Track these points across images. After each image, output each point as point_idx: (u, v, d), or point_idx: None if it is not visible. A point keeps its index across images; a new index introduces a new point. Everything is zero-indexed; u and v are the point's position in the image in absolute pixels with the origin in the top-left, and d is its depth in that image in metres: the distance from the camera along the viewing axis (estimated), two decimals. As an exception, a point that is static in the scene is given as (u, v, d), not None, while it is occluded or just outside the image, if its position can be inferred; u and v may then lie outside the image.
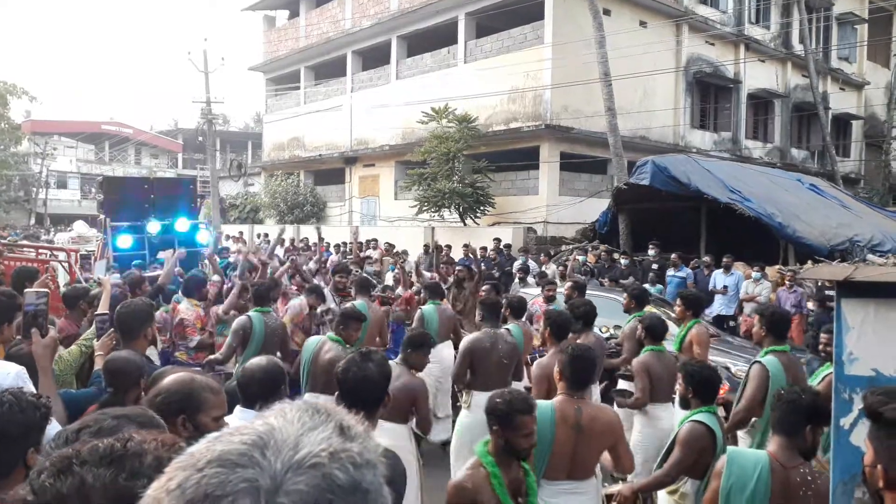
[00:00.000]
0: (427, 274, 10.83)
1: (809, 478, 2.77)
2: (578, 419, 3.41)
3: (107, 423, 1.26)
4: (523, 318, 6.45)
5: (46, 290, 3.55)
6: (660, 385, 4.98)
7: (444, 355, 6.85)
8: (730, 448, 3.15)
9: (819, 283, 10.92)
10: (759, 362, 4.57)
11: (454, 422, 5.77)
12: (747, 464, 2.87)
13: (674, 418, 5.09)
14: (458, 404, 7.75)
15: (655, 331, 5.16)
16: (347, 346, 4.89)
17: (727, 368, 7.13)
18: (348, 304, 5.91)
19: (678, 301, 6.10)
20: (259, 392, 2.80)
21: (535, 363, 4.86)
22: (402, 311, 8.60)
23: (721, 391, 4.68)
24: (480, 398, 5.05)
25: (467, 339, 5.43)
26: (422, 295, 8.06)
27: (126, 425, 1.27)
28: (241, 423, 2.25)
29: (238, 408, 2.79)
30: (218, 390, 2.09)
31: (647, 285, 11.86)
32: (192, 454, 0.65)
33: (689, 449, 3.54)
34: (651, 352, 5.10)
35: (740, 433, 4.61)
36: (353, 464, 0.64)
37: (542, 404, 3.47)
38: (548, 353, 4.91)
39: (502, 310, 6.13)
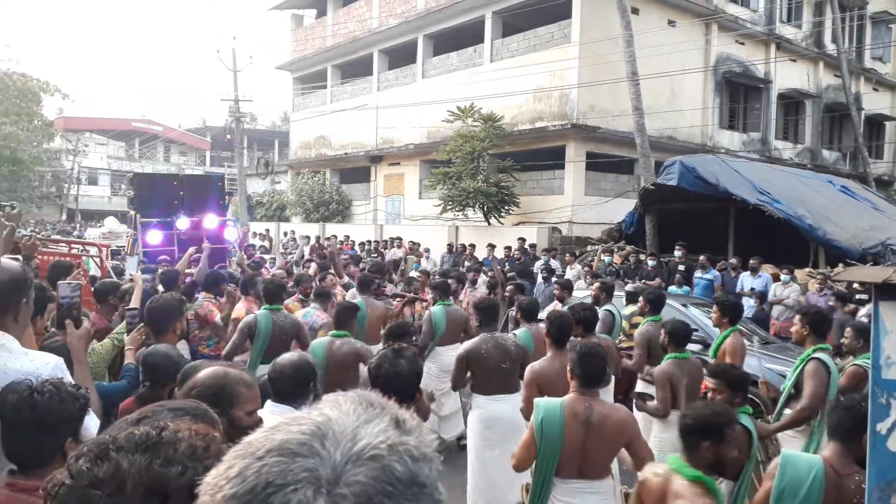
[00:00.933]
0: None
1: (864, 485, 2.71)
2: (588, 416, 3.39)
3: (164, 416, 1.28)
4: (536, 322, 6.21)
5: (79, 282, 3.61)
6: (681, 394, 4.89)
7: (446, 355, 6.77)
8: (784, 451, 3.08)
9: (850, 287, 10.72)
10: (817, 359, 4.50)
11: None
12: (801, 468, 2.84)
13: None
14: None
15: (678, 336, 5.04)
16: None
17: (783, 376, 7.02)
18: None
19: (714, 307, 5.88)
20: (288, 388, 2.82)
21: (528, 367, 4.71)
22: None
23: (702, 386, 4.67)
24: (481, 400, 5.14)
25: (463, 346, 5.38)
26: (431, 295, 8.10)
27: (183, 418, 1.29)
28: (273, 417, 2.26)
29: (269, 402, 2.82)
30: (251, 384, 2.11)
31: (673, 287, 11.77)
32: (250, 443, 0.65)
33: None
34: (673, 360, 4.97)
35: (789, 433, 4.52)
36: (412, 457, 0.64)
37: (552, 402, 3.47)
38: (547, 355, 4.75)
39: (514, 313, 6.09)
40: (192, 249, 8.33)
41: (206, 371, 2.11)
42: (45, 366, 2.34)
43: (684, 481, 2.60)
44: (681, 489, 2.58)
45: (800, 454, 3.14)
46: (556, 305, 7.89)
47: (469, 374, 5.24)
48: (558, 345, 4.64)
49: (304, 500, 0.58)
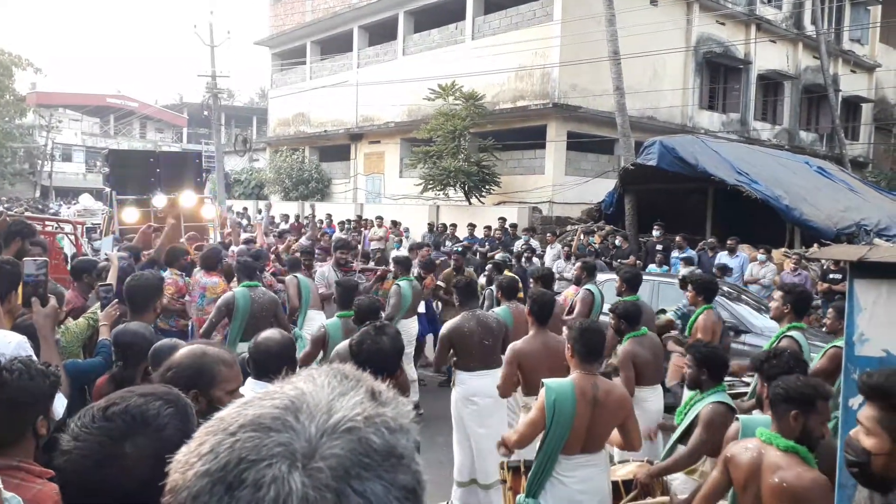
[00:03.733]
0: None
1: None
2: (595, 394, 3.46)
3: (133, 401, 1.25)
4: (515, 300, 6.34)
5: (45, 259, 3.54)
6: (646, 370, 5.01)
7: (409, 327, 7.43)
8: (744, 417, 3.18)
9: (825, 267, 10.89)
10: (790, 336, 4.62)
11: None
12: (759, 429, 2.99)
13: (661, 399, 5.21)
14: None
15: (630, 317, 5.14)
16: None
17: None
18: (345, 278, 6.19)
19: (689, 286, 5.94)
20: (274, 365, 2.80)
21: (509, 346, 4.77)
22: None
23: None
24: (464, 376, 5.20)
25: (446, 326, 5.40)
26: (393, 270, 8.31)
27: (152, 402, 1.26)
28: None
29: (249, 380, 2.79)
30: (231, 363, 2.06)
31: (653, 266, 11.87)
32: (221, 419, 0.64)
33: (713, 430, 3.58)
34: (633, 339, 5.05)
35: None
36: (388, 428, 0.63)
37: (562, 383, 3.50)
38: (529, 333, 4.78)
39: (496, 292, 6.20)
40: (145, 226, 8.29)
41: (184, 350, 2.07)
42: (6, 345, 2.30)
43: (778, 452, 2.61)
44: (777, 460, 2.59)
45: (755, 417, 3.21)
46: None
47: (451, 351, 5.27)
48: (541, 323, 4.68)
49: (279, 475, 0.57)
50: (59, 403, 2.26)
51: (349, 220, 19.61)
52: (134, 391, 1.31)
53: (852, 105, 28.98)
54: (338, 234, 16.10)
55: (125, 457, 1.17)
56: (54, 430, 2.10)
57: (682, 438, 3.84)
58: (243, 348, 4.24)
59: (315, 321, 6.88)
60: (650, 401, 5.04)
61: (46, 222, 11.62)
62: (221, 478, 0.59)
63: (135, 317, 3.70)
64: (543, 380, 3.63)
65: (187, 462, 0.62)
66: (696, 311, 5.77)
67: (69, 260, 8.54)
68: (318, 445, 0.60)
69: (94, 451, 1.16)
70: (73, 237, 10.50)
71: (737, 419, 3.16)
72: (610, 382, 3.69)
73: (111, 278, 4.55)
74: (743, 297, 8.77)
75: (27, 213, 17.29)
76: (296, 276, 7.33)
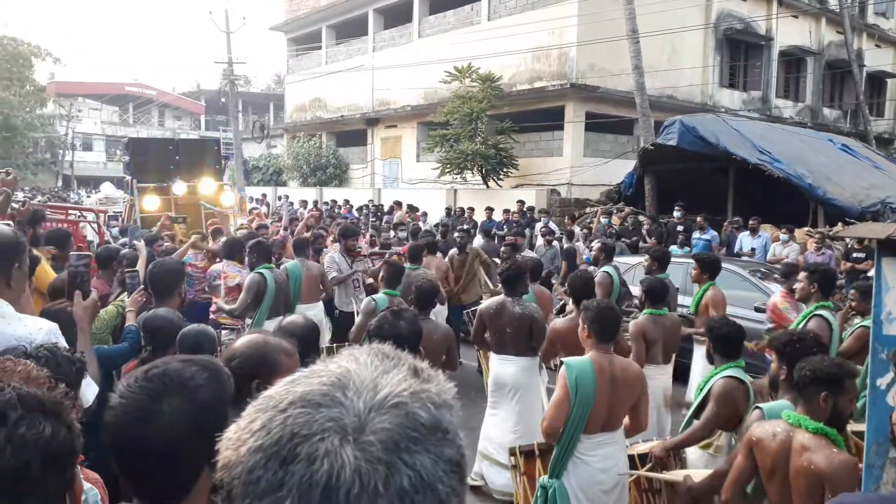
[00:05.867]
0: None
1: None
2: (613, 371, 3.49)
3: (172, 365, 1.35)
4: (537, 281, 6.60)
5: (89, 253, 3.60)
6: (655, 348, 5.07)
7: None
8: (765, 405, 3.10)
9: (849, 246, 10.73)
10: (819, 315, 4.62)
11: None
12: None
13: (668, 379, 5.31)
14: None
15: (655, 293, 5.20)
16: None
17: None
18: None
19: (694, 264, 6.17)
20: (302, 349, 2.83)
21: (550, 325, 4.97)
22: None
23: None
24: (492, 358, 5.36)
25: (483, 303, 5.59)
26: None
27: (189, 367, 1.35)
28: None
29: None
30: (291, 352, 2.07)
31: (675, 247, 11.76)
32: (270, 396, 0.66)
33: (725, 403, 3.60)
34: (648, 315, 5.14)
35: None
36: (434, 403, 0.65)
37: (581, 360, 3.53)
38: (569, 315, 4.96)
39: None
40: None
41: (245, 340, 2.09)
42: (38, 331, 2.32)
43: (807, 434, 2.59)
44: (806, 442, 2.57)
45: (776, 403, 3.10)
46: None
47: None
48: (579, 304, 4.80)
49: (332, 448, 0.59)
50: (91, 391, 2.29)
51: (367, 206, 19.64)
52: (176, 357, 1.41)
53: (877, 80, 28.36)
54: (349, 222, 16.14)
55: (161, 414, 1.27)
56: (85, 417, 2.13)
57: (697, 414, 3.86)
58: (269, 326, 4.30)
59: (307, 312, 6.86)
60: (656, 379, 5.08)
61: (70, 211, 11.77)
62: (275, 453, 0.60)
63: (159, 303, 3.76)
64: (563, 358, 3.67)
65: (239, 438, 0.64)
66: (700, 288, 5.90)
67: (91, 248, 8.67)
68: (368, 420, 0.61)
69: (134, 408, 1.27)
70: (95, 225, 10.64)
71: (758, 407, 3.08)
72: (624, 359, 3.72)
73: (139, 266, 4.63)
74: (775, 276, 8.60)
75: (50, 203, 17.52)
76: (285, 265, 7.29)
